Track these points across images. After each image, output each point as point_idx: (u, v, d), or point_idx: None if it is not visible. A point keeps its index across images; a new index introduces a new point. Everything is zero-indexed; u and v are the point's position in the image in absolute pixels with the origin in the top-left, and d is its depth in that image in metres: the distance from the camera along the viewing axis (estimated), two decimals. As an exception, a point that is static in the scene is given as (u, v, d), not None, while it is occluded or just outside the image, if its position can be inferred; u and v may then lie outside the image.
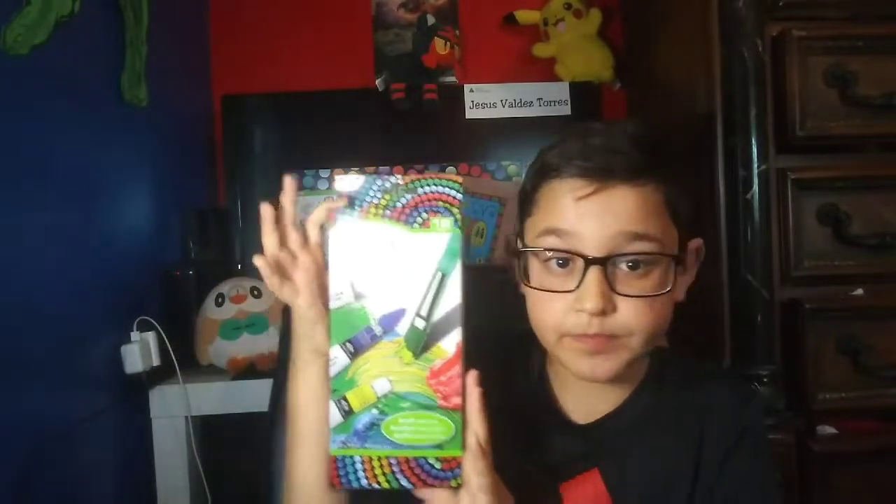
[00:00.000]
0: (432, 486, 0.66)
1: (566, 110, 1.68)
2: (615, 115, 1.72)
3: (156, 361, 1.22)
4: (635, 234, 0.65)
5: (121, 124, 1.25)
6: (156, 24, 1.30)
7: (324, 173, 1.65)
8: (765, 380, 1.08)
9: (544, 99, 1.68)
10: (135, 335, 1.19)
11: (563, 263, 0.67)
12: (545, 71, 1.71)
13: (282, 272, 0.68)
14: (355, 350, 0.67)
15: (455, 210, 0.67)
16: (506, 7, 1.73)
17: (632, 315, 0.66)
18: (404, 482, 0.66)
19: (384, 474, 0.67)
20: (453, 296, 0.66)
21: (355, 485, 0.66)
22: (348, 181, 0.66)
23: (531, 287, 0.69)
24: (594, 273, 0.65)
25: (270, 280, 0.67)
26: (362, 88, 1.69)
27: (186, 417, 1.24)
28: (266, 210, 0.67)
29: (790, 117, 1.09)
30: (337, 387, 0.66)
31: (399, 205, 0.67)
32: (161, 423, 1.25)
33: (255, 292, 1.35)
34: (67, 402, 1.05)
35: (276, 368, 0.97)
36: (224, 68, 1.73)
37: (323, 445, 0.68)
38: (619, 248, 0.65)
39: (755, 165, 1.08)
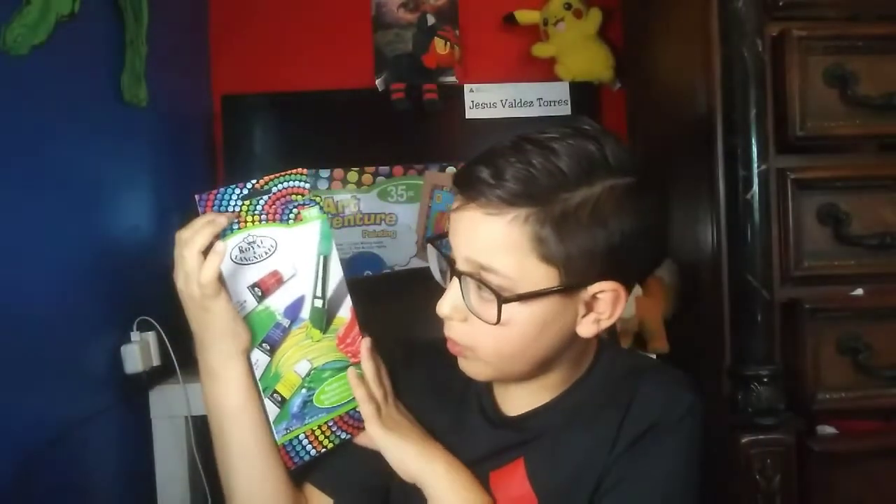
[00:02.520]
0: (364, 428, 0.76)
1: (566, 110, 1.68)
2: (615, 114, 1.72)
3: (156, 361, 1.22)
4: (480, 265, 0.66)
5: (121, 124, 1.25)
6: (156, 24, 1.30)
7: (324, 173, 1.65)
8: (765, 380, 1.08)
9: (544, 99, 1.68)
10: (135, 335, 1.19)
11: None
12: (545, 71, 1.71)
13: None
14: (271, 347, 0.75)
15: (318, 198, 0.76)
16: (506, 7, 1.73)
17: (473, 332, 0.69)
18: (344, 435, 0.77)
19: (327, 437, 0.77)
20: (337, 271, 0.76)
21: (306, 458, 0.76)
22: (208, 198, 0.73)
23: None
24: (455, 281, 0.68)
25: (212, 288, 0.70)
26: (362, 88, 1.69)
27: (186, 417, 1.23)
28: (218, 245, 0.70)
29: (790, 117, 1.09)
30: (266, 385, 0.75)
31: (260, 206, 0.74)
32: (161, 423, 1.25)
33: (255, 292, 1.35)
34: (67, 402, 1.05)
35: None
36: (224, 68, 1.73)
37: (261, 445, 0.74)
38: (469, 269, 0.67)
39: (755, 165, 1.08)
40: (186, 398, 1.22)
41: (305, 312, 0.75)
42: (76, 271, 1.08)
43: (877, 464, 1.11)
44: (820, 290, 1.12)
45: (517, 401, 0.77)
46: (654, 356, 1.28)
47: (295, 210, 0.74)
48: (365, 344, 0.78)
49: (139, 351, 1.18)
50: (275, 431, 0.74)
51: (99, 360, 1.15)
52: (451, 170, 1.68)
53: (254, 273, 0.73)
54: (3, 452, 0.89)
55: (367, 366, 0.78)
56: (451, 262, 0.69)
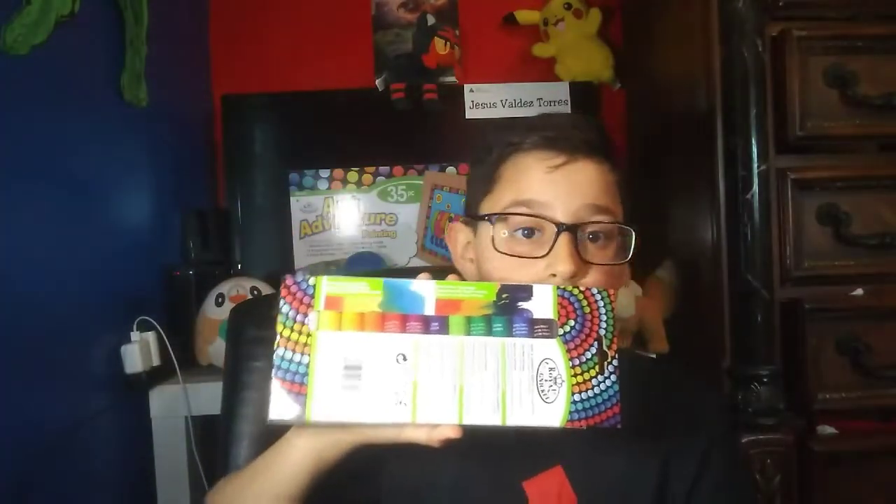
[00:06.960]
0: None
1: (566, 110, 1.67)
2: (615, 115, 1.72)
3: (156, 361, 1.22)
4: (598, 207, 0.68)
5: (121, 124, 1.25)
6: (156, 24, 1.30)
7: (324, 173, 1.65)
8: (765, 380, 1.08)
9: (544, 99, 1.68)
10: (135, 335, 1.19)
11: (529, 234, 0.68)
12: (545, 71, 1.71)
13: None
14: None
15: None
16: (506, 7, 1.73)
17: (597, 283, 0.67)
18: None
19: None
20: None
21: None
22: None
23: (503, 253, 0.68)
24: (565, 238, 0.67)
25: None
26: (362, 88, 1.69)
27: (186, 417, 1.24)
28: None
29: (790, 117, 1.09)
30: None
31: None
32: (161, 423, 1.25)
33: (255, 292, 1.35)
34: (67, 402, 1.05)
35: (226, 379, 0.93)
36: (224, 68, 1.73)
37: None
38: (584, 218, 0.68)
39: (755, 165, 1.08)
40: (186, 398, 1.22)
41: None
42: (76, 271, 1.08)
43: (877, 464, 1.11)
44: (820, 290, 1.12)
45: None
46: (653, 356, 1.28)
47: None
48: None
49: (139, 351, 1.18)
50: None
51: (99, 360, 1.15)
52: (451, 170, 1.68)
53: None
54: (3, 452, 0.89)
55: None
56: (553, 222, 0.67)
